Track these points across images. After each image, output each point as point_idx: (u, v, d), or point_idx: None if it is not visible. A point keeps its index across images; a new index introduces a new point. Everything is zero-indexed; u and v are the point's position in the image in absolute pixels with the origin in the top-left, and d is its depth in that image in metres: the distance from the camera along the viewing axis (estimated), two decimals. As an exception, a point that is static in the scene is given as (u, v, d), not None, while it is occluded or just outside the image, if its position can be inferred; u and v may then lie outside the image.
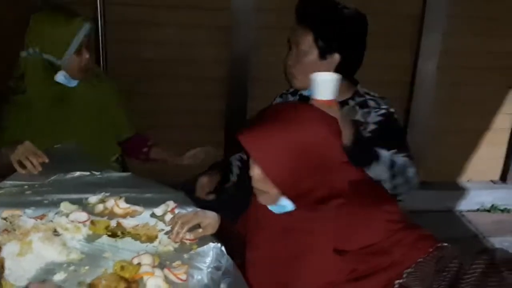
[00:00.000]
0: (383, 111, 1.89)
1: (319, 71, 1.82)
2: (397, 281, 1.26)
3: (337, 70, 1.90)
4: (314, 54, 1.93)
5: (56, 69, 2.05)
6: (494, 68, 3.67)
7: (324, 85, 1.70)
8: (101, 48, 3.04)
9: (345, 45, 1.93)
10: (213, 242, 1.49)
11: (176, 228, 1.49)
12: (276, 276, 1.43)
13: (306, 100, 1.84)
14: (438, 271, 1.22)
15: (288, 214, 1.40)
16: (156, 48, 3.29)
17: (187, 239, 1.49)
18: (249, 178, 1.42)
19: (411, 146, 3.58)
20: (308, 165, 1.29)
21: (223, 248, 1.48)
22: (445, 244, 1.28)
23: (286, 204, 1.37)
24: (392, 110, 1.92)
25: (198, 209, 1.59)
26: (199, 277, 1.32)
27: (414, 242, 1.29)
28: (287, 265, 1.40)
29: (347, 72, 1.96)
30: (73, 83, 2.10)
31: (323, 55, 1.92)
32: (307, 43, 1.92)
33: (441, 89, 3.60)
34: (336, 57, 1.92)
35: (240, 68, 3.35)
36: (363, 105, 1.92)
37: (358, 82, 2.04)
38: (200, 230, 1.52)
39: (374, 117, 1.89)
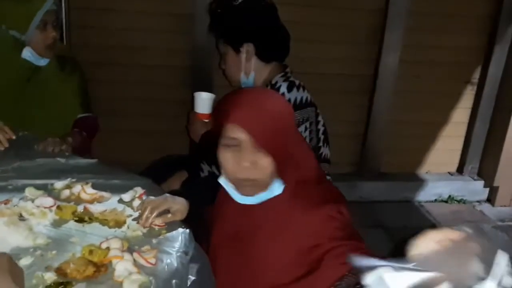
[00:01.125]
0: None
1: (241, 65, 2.13)
2: None
3: (260, 57, 2.12)
4: (230, 51, 2.15)
5: (22, 46, 2.05)
6: (453, 64, 3.78)
7: (202, 102, 2.16)
8: (64, 33, 2.99)
9: (252, 33, 2.10)
10: (182, 228, 1.49)
11: (145, 213, 1.48)
12: (235, 262, 1.46)
13: None
14: None
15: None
16: (119, 35, 3.24)
17: (156, 225, 1.49)
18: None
19: (373, 138, 3.73)
20: (287, 129, 1.38)
21: (191, 233, 1.49)
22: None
23: (275, 188, 1.40)
24: None
25: (167, 195, 1.59)
26: (169, 261, 1.32)
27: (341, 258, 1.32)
28: (247, 253, 1.42)
29: (269, 57, 2.14)
30: (42, 62, 2.10)
31: (236, 49, 2.13)
32: (222, 45, 2.18)
33: (402, 82, 3.68)
34: (250, 46, 2.06)
35: (204, 57, 3.34)
36: None
37: (285, 68, 2.16)
38: (169, 215, 1.52)
39: None
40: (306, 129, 2.05)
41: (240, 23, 2.09)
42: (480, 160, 4.03)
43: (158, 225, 1.49)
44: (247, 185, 1.40)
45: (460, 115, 3.95)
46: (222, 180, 1.45)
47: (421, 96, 3.79)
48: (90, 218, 1.48)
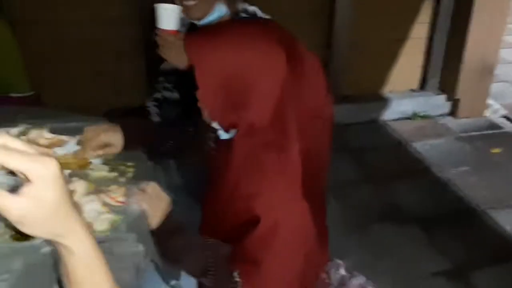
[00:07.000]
0: None
1: None
2: None
3: None
4: None
5: None
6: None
7: (167, 15, 1.74)
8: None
9: None
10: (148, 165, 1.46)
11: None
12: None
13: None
14: None
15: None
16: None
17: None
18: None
19: (334, 61, 3.68)
20: (242, 93, 1.23)
21: (159, 170, 1.45)
22: None
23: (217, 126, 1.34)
24: None
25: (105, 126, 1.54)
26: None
27: None
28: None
29: None
30: None
31: None
32: None
33: (361, 2, 3.61)
34: None
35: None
36: None
37: None
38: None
39: None
40: None
41: None
42: (441, 74, 4.06)
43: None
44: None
45: (419, 30, 3.92)
46: None
47: (379, 14, 3.73)
48: (51, 163, 1.41)
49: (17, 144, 0.65)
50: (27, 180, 0.63)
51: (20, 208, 0.63)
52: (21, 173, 0.63)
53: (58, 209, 0.66)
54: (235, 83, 1.22)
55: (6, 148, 0.63)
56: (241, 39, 1.24)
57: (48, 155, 0.66)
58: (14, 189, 0.64)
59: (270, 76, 1.21)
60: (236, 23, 1.42)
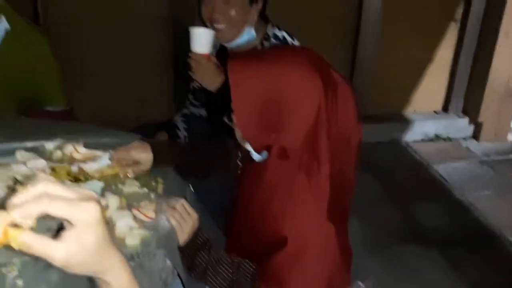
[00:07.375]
0: None
1: (249, 18, 1.89)
2: None
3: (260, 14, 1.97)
4: (244, 1, 1.92)
5: None
6: (438, 1, 3.74)
7: (200, 38, 1.81)
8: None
9: None
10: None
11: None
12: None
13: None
14: None
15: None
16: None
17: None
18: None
19: (357, 79, 3.72)
20: (278, 116, 1.28)
21: (189, 188, 1.49)
22: None
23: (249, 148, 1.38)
24: None
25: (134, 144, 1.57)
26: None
27: None
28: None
29: (265, 15, 2.01)
30: None
31: (252, 1, 1.94)
32: None
33: (387, 21, 3.64)
34: (260, 2, 1.95)
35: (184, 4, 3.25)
36: None
37: (268, 20, 2.04)
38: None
39: None
40: None
41: None
42: (465, 97, 4.06)
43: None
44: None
45: (445, 53, 3.94)
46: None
47: (405, 35, 3.76)
48: (86, 178, 1.47)
49: (58, 189, 0.67)
50: (69, 224, 0.67)
51: (62, 253, 0.67)
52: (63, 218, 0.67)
53: (98, 251, 0.70)
54: (272, 106, 1.26)
55: (48, 195, 0.66)
56: (281, 65, 1.29)
57: (89, 198, 0.69)
58: (56, 234, 0.68)
59: (307, 101, 1.26)
60: (277, 49, 1.48)
